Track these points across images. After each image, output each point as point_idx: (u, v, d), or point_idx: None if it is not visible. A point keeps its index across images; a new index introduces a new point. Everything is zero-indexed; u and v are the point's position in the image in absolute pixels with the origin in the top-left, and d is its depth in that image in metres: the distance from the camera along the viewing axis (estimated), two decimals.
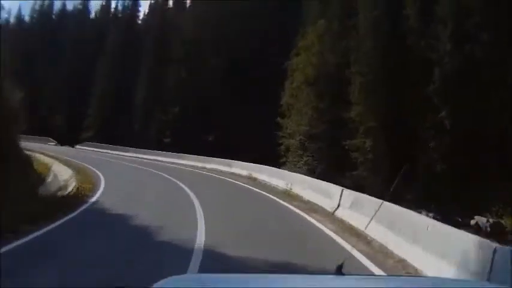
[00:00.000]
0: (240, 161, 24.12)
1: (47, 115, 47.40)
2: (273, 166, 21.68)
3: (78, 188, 14.60)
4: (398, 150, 20.69)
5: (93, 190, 14.63)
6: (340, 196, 11.48)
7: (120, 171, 22.59)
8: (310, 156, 24.11)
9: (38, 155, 25.69)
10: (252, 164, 22.87)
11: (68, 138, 42.39)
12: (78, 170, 19.76)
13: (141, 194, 14.77)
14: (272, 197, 15.22)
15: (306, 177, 17.09)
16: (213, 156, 26.87)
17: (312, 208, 12.46)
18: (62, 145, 41.47)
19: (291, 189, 15.63)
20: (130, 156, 33.45)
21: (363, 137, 21.85)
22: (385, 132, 21.18)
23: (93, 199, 13.01)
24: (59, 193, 13.64)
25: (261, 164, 21.77)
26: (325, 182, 14.07)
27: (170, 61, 38.78)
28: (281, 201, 14.10)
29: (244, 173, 22.37)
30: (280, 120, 26.38)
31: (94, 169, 21.35)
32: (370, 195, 11.35)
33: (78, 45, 48.87)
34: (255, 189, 17.57)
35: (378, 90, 22.10)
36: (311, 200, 13.48)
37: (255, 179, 20.38)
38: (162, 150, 33.08)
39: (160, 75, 38.65)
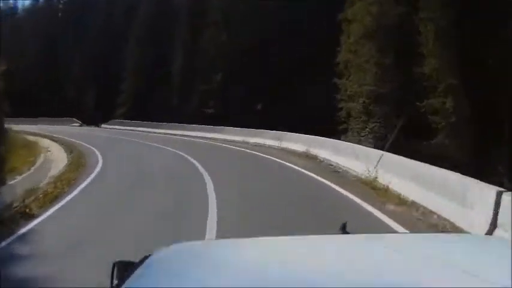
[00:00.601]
0: (292, 132, 20.58)
1: (76, 95, 45.37)
2: (331, 136, 18.08)
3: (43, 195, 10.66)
4: (484, 113, 17.25)
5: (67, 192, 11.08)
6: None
7: (129, 157, 18.53)
8: (377, 122, 20.69)
9: (41, 140, 24.31)
10: (307, 136, 19.20)
11: (98, 118, 39.95)
12: (75, 156, 17.80)
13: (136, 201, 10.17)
14: (354, 198, 9.54)
15: (401, 158, 10.57)
16: (261, 128, 23.52)
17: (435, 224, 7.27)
18: (88, 125, 39.46)
19: (376, 178, 10.41)
20: (160, 133, 30.78)
21: (441, 96, 18.32)
22: (468, 91, 17.60)
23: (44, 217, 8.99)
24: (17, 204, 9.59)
25: (318, 135, 18.19)
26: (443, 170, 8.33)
27: (208, 26, 35.14)
28: (374, 212, 8.43)
29: (299, 148, 18.61)
30: (337, 80, 22.85)
31: (98, 154, 18.69)
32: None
33: (106, 22, 46.78)
34: (325, 181, 11.71)
35: (455, 39, 18.41)
36: (427, 205, 7.92)
37: (315, 158, 16.11)
38: (205, 123, 29.70)
39: (197, 43, 35.23)
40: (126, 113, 38.97)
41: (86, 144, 22.70)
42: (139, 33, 40.75)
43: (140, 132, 31.70)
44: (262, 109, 29.14)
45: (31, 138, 24.10)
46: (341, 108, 22.34)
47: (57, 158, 17.54)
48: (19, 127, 31.11)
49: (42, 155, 17.34)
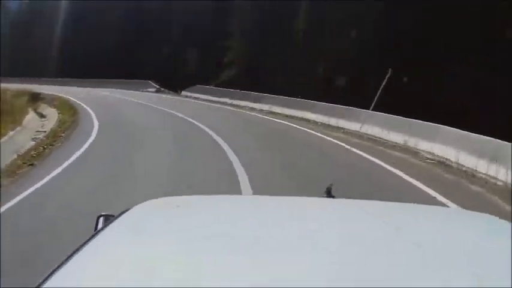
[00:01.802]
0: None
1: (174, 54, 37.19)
2: None
3: None
4: None
5: None
6: None
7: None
8: None
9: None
10: None
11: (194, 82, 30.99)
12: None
13: None
14: None
15: None
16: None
17: None
18: (169, 91, 31.74)
19: None
20: (262, 111, 21.68)
21: None
22: None
23: None
24: None
25: None
26: None
27: None
28: None
29: None
30: None
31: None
32: None
33: None
34: None
35: None
36: None
37: None
38: (333, 100, 18.77)
39: None
40: (236, 76, 29.71)
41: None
42: None
43: (230, 108, 23.43)
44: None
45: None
46: None
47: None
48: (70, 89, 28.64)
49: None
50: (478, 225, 1.43)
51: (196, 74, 32.32)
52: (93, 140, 12.67)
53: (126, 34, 41.45)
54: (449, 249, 1.14)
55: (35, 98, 22.01)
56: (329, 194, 1.88)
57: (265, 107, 21.91)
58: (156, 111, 20.80)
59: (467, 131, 11.15)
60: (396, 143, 13.22)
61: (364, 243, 1.16)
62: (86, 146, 11.80)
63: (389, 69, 14.27)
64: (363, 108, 16.20)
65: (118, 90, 31.15)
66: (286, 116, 19.64)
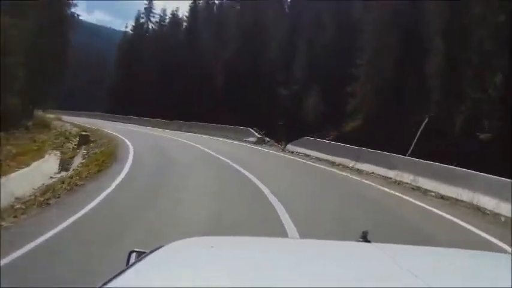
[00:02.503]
0: None
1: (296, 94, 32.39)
2: None
3: None
4: None
5: None
6: None
7: None
8: None
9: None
10: None
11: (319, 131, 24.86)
12: None
13: None
14: None
15: None
16: None
17: None
18: (273, 143, 23.69)
19: None
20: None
21: None
22: None
23: None
24: None
25: None
26: None
27: None
28: None
29: None
30: None
31: None
32: None
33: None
34: None
35: None
36: None
37: None
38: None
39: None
40: (362, 126, 24.21)
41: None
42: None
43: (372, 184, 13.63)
44: None
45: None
46: None
47: None
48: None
49: None
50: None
51: (310, 122, 27.63)
52: None
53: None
54: None
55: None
56: (365, 238, 1.76)
57: (409, 178, 13.82)
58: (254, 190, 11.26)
59: None
60: None
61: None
62: None
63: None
64: None
65: (215, 138, 26.50)
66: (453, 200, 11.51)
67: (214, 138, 26.06)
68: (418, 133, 14.36)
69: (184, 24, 57.41)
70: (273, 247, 1.69)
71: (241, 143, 23.91)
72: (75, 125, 31.48)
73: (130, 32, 64.33)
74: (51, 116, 36.52)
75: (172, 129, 32.22)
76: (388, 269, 1.33)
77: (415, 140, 14.06)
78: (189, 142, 22.54)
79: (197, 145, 21.21)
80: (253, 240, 1.90)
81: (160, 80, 50.78)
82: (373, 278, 1.24)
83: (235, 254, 1.51)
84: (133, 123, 38.43)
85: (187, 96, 44.55)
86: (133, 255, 1.65)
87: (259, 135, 24.54)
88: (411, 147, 13.87)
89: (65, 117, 40.60)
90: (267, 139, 23.98)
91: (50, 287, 4.56)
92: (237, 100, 36.81)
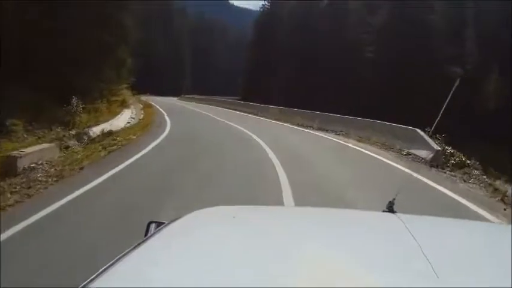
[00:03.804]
0: None
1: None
2: None
3: None
4: None
5: None
6: None
7: None
8: None
9: None
10: None
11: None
12: None
13: None
14: None
15: None
16: None
17: None
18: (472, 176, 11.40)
19: None
20: None
21: None
22: None
23: None
24: None
25: None
26: None
27: None
28: None
29: None
30: None
31: None
32: None
33: None
34: None
35: None
36: None
37: None
38: None
39: None
40: None
41: None
42: None
43: None
44: None
45: None
46: None
47: None
48: None
49: None
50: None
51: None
52: None
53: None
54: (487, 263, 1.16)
55: None
56: (391, 209, 1.70)
57: None
58: None
59: None
60: None
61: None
62: None
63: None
64: None
65: (355, 145, 15.88)
66: None
67: (351, 144, 15.57)
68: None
69: None
70: (295, 216, 1.69)
71: (403, 161, 12.17)
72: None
73: (267, 5, 56.65)
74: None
75: (301, 123, 22.33)
76: (402, 244, 1.25)
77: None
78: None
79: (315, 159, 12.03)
80: (275, 210, 1.96)
81: (297, 65, 42.84)
82: (383, 253, 1.20)
83: (257, 225, 1.47)
84: (256, 113, 29.29)
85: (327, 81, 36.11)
86: (153, 225, 1.62)
87: (437, 146, 12.24)
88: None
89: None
90: (458, 159, 12.25)
91: None
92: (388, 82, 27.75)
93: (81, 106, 15.09)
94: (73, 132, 12.26)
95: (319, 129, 19.93)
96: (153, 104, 34.11)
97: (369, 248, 1.22)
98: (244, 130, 17.98)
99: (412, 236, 1.28)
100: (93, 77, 18.50)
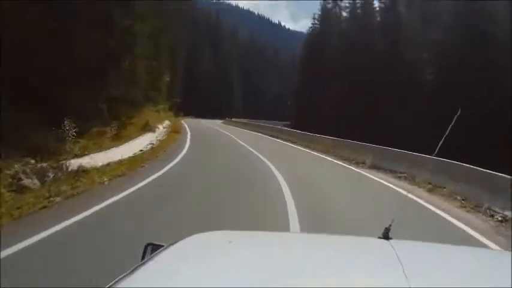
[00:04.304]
0: None
1: None
2: None
3: None
4: None
5: None
6: None
7: None
8: None
9: None
10: None
11: None
12: None
13: None
14: None
15: None
16: None
17: None
18: None
19: None
20: None
21: None
22: None
23: None
24: None
25: None
26: None
27: None
28: None
29: None
30: None
31: None
32: None
33: None
34: None
35: None
36: None
37: None
38: None
39: None
40: None
41: None
42: None
43: None
44: None
45: None
46: None
47: None
48: None
49: None
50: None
51: None
52: None
53: None
54: None
55: None
56: (386, 235, 1.64)
57: None
58: None
59: None
60: None
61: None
62: None
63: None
64: None
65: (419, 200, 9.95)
66: None
67: (422, 198, 10.06)
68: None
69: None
70: (290, 242, 1.69)
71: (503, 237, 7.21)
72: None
73: (317, 24, 53.68)
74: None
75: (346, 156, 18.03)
76: (394, 270, 1.22)
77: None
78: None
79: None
80: (271, 236, 1.90)
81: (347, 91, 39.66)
82: (375, 278, 1.20)
83: (253, 250, 1.48)
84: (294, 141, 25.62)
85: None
86: (150, 248, 1.60)
87: None
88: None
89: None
90: None
91: None
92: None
93: (73, 130, 12.41)
94: (44, 164, 9.61)
95: (373, 167, 15.47)
96: (186, 126, 31.49)
97: (356, 275, 1.20)
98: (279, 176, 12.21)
99: (401, 263, 1.25)
100: (100, 95, 16.12)
